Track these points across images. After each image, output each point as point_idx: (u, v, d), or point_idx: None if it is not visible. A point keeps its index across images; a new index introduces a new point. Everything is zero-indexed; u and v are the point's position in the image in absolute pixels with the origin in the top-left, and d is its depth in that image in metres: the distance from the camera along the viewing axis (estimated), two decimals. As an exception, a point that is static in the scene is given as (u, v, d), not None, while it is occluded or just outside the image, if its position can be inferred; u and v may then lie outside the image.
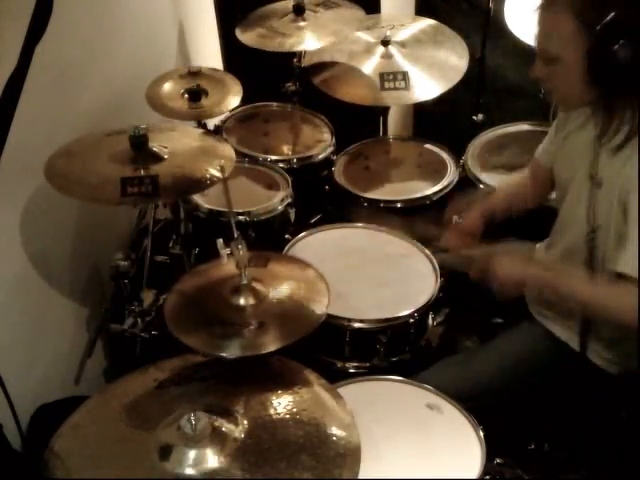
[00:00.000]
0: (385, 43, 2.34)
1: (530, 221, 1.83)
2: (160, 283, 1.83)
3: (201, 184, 1.62)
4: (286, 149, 2.44)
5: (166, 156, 1.66)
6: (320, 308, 1.44)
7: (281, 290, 1.47)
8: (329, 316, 1.52)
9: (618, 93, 1.39)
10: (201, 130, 2.04)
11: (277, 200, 2.06)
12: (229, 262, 1.45)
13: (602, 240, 1.48)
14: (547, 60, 1.41)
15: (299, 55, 2.34)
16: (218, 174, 1.59)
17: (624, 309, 1.38)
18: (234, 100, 2.09)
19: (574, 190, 1.57)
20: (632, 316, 1.35)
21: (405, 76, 2.26)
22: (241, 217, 1.96)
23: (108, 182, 1.56)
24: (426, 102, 2.29)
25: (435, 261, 1.84)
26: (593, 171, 1.48)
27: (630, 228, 1.39)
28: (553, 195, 1.74)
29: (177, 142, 1.75)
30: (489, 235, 1.98)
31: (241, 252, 1.39)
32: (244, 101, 2.21)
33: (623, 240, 1.41)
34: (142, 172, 1.59)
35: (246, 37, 2.20)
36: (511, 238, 1.83)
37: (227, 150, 1.79)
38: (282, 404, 1.28)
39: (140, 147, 1.63)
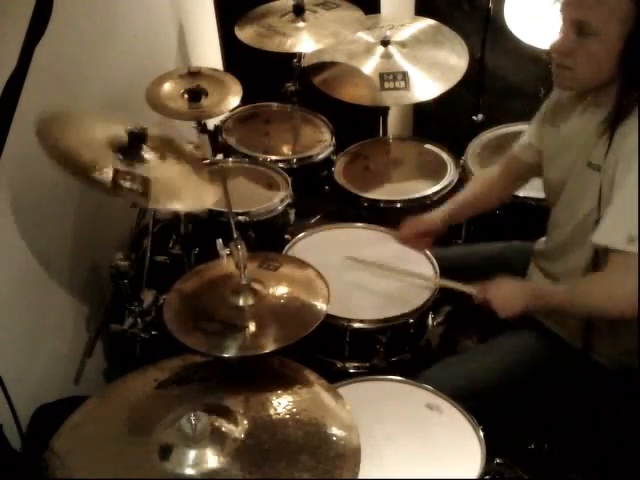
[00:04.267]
0: (385, 43, 2.34)
1: (529, 220, 1.83)
2: (160, 283, 1.83)
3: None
4: (286, 149, 2.44)
5: (153, 165, 1.57)
6: (320, 308, 1.44)
7: (281, 290, 1.47)
8: (329, 316, 1.52)
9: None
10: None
11: (277, 200, 2.06)
12: (229, 262, 1.45)
13: None
14: (581, 32, 1.37)
15: (299, 55, 2.34)
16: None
17: (601, 298, 1.41)
18: (234, 100, 2.10)
19: (574, 182, 1.56)
20: (603, 303, 1.39)
21: (405, 76, 2.27)
22: (241, 217, 1.96)
23: (99, 165, 1.47)
24: (426, 102, 2.29)
25: (435, 262, 1.83)
26: (591, 159, 1.49)
27: (612, 197, 1.40)
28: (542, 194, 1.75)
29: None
30: (490, 236, 1.99)
31: (240, 252, 1.39)
32: (244, 101, 2.21)
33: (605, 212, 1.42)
34: (126, 168, 1.54)
35: (244, 34, 2.20)
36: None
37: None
38: (282, 404, 1.28)
39: (135, 146, 1.60)
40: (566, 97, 1.62)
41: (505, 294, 1.58)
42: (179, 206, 1.61)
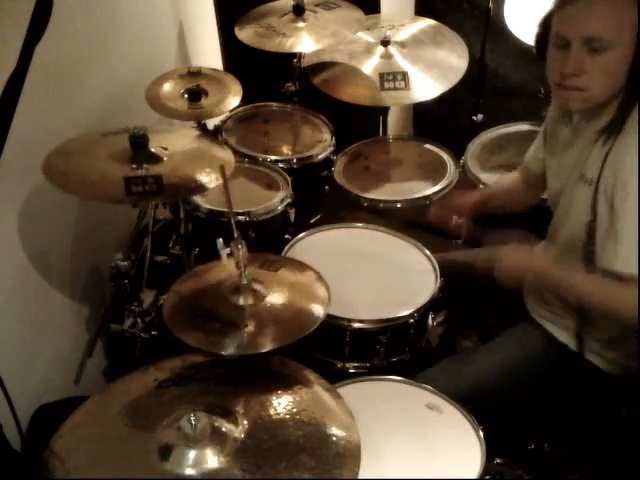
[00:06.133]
0: (385, 43, 2.34)
1: (531, 221, 1.83)
2: (160, 283, 1.83)
3: (202, 186, 1.62)
4: (286, 149, 2.44)
5: (165, 158, 1.65)
6: (319, 309, 1.44)
7: (281, 291, 1.47)
8: (329, 316, 1.52)
9: None
10: (198, 132, 2.02)
11: (277, 200, 2.06)
12: (229, 262, 1.45)
13: (598, 236, 1.47)
14: (594, 48, 1.33)
15: (299, 55, 2.34)
16: (216, 177, 1.59)
17: (623, 306, 1.38)
18: (234, 100, 2.09)
19: (568, 192, 1.57)
20: (630, 313, 1.35)
21: (405, 76, 2.26)
22: (241, 217, 1.96)
23: (110, 181, 1.55)
24: (426, 102, 2.29)
25: (435, 261, 1.83)
26: (584, 171, 1.48)
27: (620, 225, 1.38)
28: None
29: (175, 144, 1.74)
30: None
31: (241, 252, 1.39)
32: (244, 101, 2.21)
33: (615, 237, 1.40)
34: (141, 172, 1.58)
35: (244, 34, 2.20)
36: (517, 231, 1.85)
37: (225, 153, 1.78)
38: (282, 404, 1.28)
39: (140, 147, 1.62)
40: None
41: (512, 262, 1.57)
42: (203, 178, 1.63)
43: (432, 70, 2.29)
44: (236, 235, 1.40)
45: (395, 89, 2.26)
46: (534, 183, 1.81)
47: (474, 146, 2.32)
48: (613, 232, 1.40)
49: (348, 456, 1.17)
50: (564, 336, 1.63)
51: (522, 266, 1.57)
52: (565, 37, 1.37)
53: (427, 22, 2.47)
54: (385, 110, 2.56)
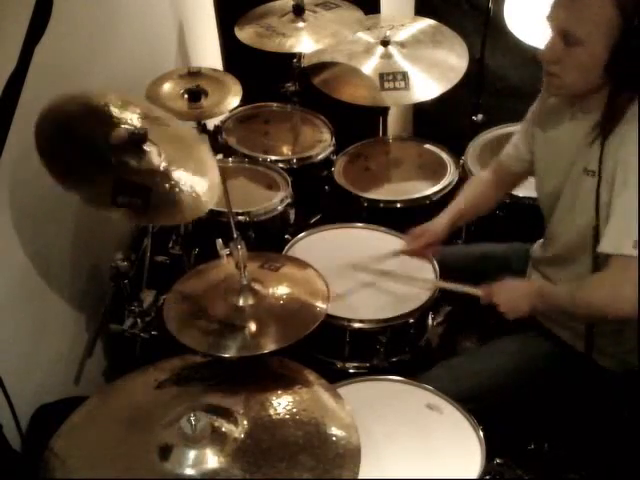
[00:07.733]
0: (385, 43, 2.35)
1: (529, 220, 1.83)
2: (160, 283, 1.83)
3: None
4: (286, 149, 2.45)
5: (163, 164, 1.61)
6: (320, 309, 1.44)
7: (281, 290, 1.47)
8: (329, 316, 1.52)
9: (629, 87, 1.38)
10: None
11: (277, 200, 2.06)
12: (229, 262, 1.45)
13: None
14: (567, 41, 1.36)
15: (299, 55, 2.34)
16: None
17: (603, 298, 1.40)
18: (234, 100, 2.10)
19: (571, 186, 1.55)
20: (614, 306, 1.37)
21: (405, 76, 2.27)
22: (241, 217, 1.96)
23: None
24: (426, 102, 2.29)
25: (435, 264, 1.84)
26: (587, 165, 1.48)
27: (613, 210, 1.39)
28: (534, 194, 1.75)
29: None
30: (490, 236, 1.99)
31: (240, 252, 1.39)
32: (244, 101, 2.21)
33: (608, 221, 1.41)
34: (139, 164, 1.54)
35: (244, 34, 2.20)
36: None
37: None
38: (282, 404, 1.28)
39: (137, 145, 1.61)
40: (552, 104, 1.60)
41: (510, 295, 1.59)
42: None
43: (432, 70, 2.29)
44: (236, 235, 1.40)
45: (395, 89, 2.26)
46: (507, 181, 1.82)
47: (474, 146, 2.32)
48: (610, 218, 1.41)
49: (348, 456, 1.17)
50: (567, 336, 1.62)
51: (521, 310, 1.57)
52: (550, 24, 1.40)
53: (427, 22, 2.47)
54: (385, 110, 2.56)
